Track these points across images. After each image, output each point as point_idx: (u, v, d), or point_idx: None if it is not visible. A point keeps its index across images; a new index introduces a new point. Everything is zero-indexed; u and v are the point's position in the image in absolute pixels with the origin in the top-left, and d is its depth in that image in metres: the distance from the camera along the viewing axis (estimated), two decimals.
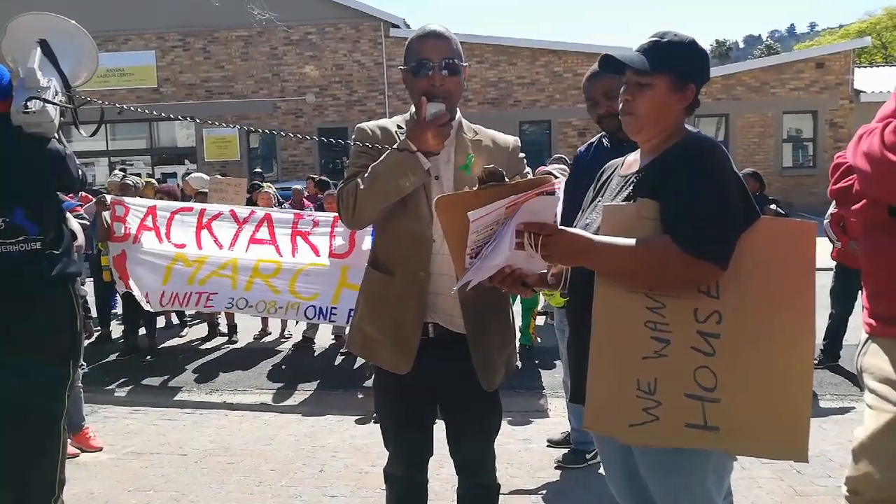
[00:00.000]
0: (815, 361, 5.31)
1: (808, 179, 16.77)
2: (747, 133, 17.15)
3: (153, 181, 8.65)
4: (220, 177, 8.66)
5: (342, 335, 6.37)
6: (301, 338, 6.46)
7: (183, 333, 7.07)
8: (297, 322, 6.79)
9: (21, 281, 2.19)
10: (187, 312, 7.25)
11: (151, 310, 5.60)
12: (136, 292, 5.39)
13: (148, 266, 5.44)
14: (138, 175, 10.43)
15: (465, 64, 2.02)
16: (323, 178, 9.73)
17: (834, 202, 4.89)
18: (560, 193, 1.51)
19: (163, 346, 6.64)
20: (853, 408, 4.47)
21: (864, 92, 17.04)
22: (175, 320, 7.43)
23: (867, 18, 37.20)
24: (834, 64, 16.91)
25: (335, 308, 5.08)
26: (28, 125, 2.05)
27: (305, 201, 8.09)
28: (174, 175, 17.34)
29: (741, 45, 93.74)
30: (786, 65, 17.33)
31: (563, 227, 1.55)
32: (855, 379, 4.87)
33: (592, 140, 3.07)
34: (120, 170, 10.82)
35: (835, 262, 5.29)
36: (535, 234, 1.51)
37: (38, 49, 2.12)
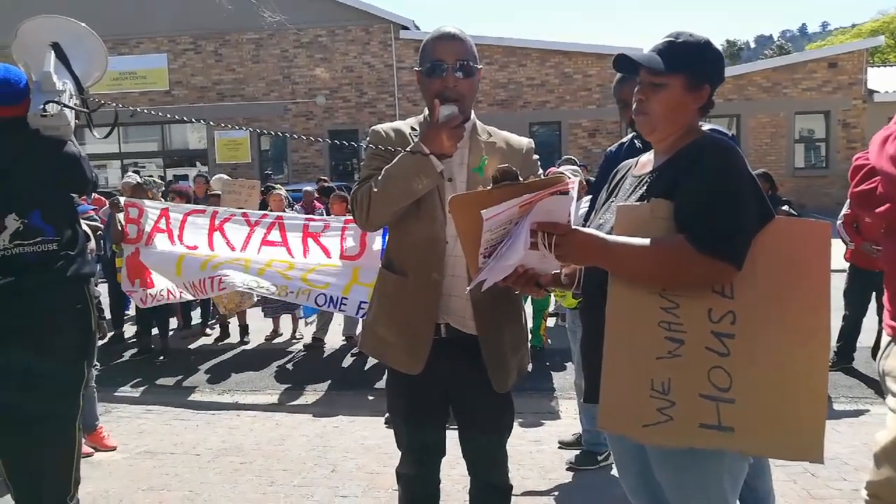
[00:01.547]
0: (829, 363, 5.27)
1: (821, 180, 16.62)
2: (759, 134, 17.03)
3: (160, 182, 8.69)
4: (230, 178, 8.70)
5: (353, 336, 6.39)
6: (311, 339, 6.49)
7: (208, 332, 7.12)
8: (307, 322, 6.84)
9: (37, 281, 2.22)
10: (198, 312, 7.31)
11: (154, 303, 5.57)
12: (159, 288, 5.41)
13: (160, 261, 5.48)
14: (150, 177, 10.50)
15: (479, 66, 2.02)
16: (326, 184, 9.77)
17: (847, 203, 4.87)
18: (574, 193, 1.51)
19: (175, 346, 6.68)
20: (867, 410, 4.43)
21: (878, 92, 16.88)
22: (197, 319, 7.45)
23: (880, 17, 36.92)
24: (847, 63, 16.76)
25: (345, 298, 5.07)
26: (46, 128, 2.08)
27: (316, 203, 8.13)
28: (186, 177, 17.45)
29: (752, 46, 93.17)
30: (798, 65, 17.19)
31: (576, 227, 1.55)
32: (869, 381, 4.86)
33: (624, 140, 3.07)
34: (134, 172, 10.89)
35: (848, 264, 5.26)
36: (548, 234, 1.51)
37: (52, 52, 2.14)
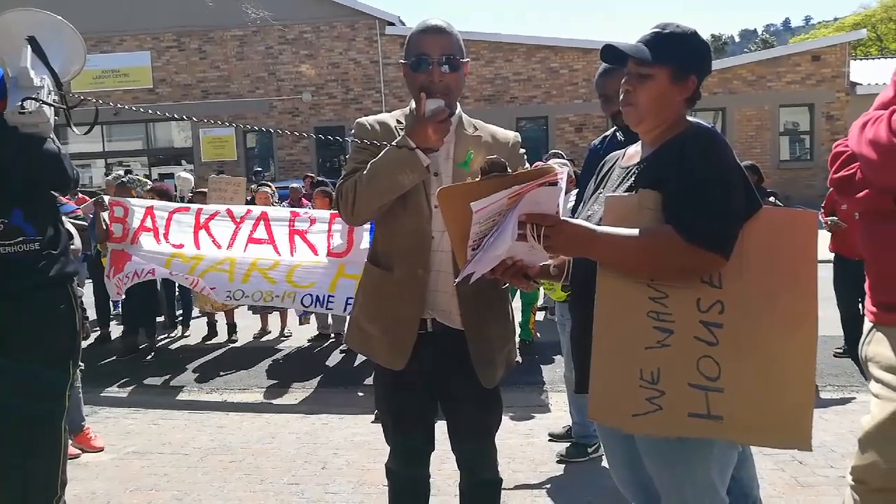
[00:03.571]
0: (840, 351, 5.30)
1: (806, 172, 16.80)
2: (744, 127, 17.17)
3: (144, 180, 8.62)
4: (217, 175, 8.62)
5: (342, 333, 6.37)
6: (317, 333, 6.58)
7: (187, 334, 7.07)
8: (300, 321, 6.81)
9: (20, 282, 2.19)
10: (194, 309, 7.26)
11: (131, 283, 5.48)
12: (122, 274, 5.36)
13: (148, 261, 5.44)
14: (136, 176, 10.41)
15: (465, 59, 2.00)
16: (317, 179, 9.73)
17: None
18: (563, 184, 1.51)
19: (163, 345, 6.63)
20: (854, 398, 4.47)
21: (860, 84, 17.06)
22: (178, 313, 7.39)
23: (862, 11, 37.29)
24: (830, 57, 16.94)
25: (332, 296, 5.05)
26: (24, 126, 2.04)
27: (304, 200, 8.09)
28: (171, 176, 17.30)
29: (737, 39, 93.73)
30: (782, 58, 17.36)
31: (565, 218, 1.55)
32: (856, 369, 4.89)
33: (606, 133, 3.08)
34: (126, 171, 10.79)
35: (833, 255, 5.28)
36: (537, 226, 1.51)
37: (29, 47, 2.10)
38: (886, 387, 1.71)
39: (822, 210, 5.17)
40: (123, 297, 5.58)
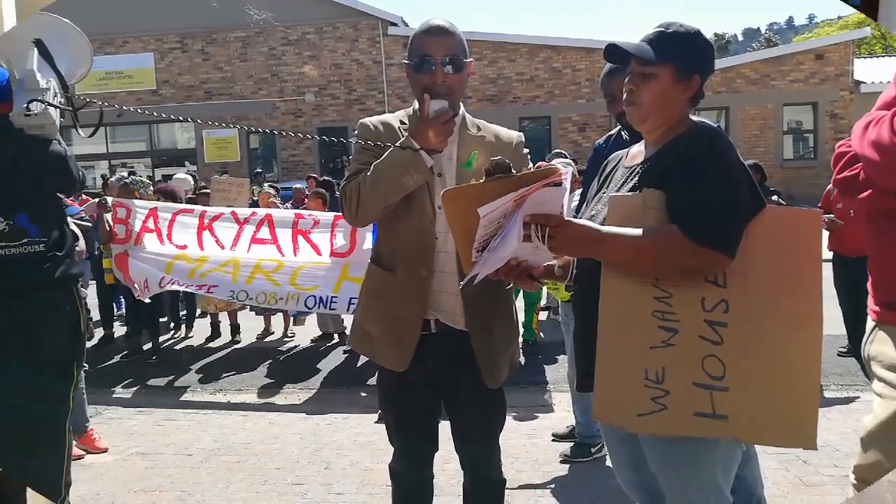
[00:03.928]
0: (844, 350, 5.29)
1: (809, 171, 16.74)
2: (748, 126, 17.13)
3: (147, 182, 8.63)
4: (221, 177, 8.64)
5: (345, 333, 6.38)
6: (320, 334, 6.56)
7: (190, 335, 7.08)
8: (294, 321, 6.81)
9: (25, 283, 2.19)
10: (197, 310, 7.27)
11: (149, 294, 5.47)
12: (136, 284, 5.37)
13: (150, 263, 5.44)
14: (139, 178, 10.43)
15: (469, 60, 1.99)
16: (325, 178, 9.72)
17: (835, 192, 4.87)
18: (567, 184, 1.50)
19: (166, 346, 6.64)
20: (858, 397, 4.46)
21: (865, 83, 17.03)
22: (182, 314, 7.39)
23: None
24: (833, 55, 16.88)
25: (335, 297, 5.06)
26: (30, 127, 2.05)
27: (306, 200, 8.09)
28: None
29: (740, 38, 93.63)
30: (785, 57, 17.32)
31: (569, 219, 1.55)
32: (859, 368, 4.88)
33: (611, 133, 3.08)
34: (129, 173, 10.83)
35: (832, 253, 5.26)
36: (541, 226, 1.51)
37: (35, 50, 2.11)
38: (889, 386, 1.71)
39: (819, 208, 5.14)
40: (148, 300, 5.55)
